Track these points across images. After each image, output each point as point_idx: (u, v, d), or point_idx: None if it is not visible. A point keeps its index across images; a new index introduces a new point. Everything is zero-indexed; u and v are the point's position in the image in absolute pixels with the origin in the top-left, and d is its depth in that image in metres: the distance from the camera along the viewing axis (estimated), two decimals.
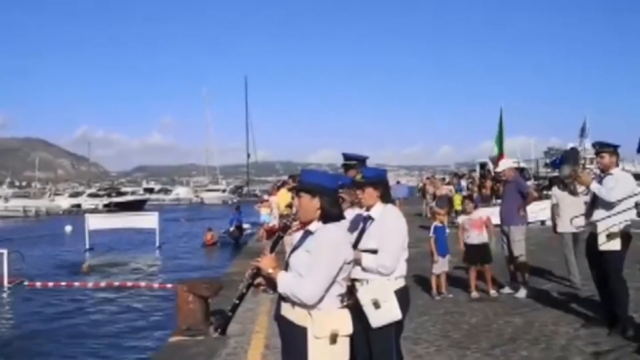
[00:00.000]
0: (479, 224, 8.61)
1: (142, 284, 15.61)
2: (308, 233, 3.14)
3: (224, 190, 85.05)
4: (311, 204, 3.13)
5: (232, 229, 24.61)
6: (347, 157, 4.95)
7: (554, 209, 9.34)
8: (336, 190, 3.25)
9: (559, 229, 9.21)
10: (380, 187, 4.03)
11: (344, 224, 3.28)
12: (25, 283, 15.72)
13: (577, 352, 5.87)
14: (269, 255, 3.17)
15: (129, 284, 15.44)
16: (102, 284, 15.55)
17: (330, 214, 3.13)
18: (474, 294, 8.62)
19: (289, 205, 16.95)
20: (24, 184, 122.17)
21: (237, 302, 3.30)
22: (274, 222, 18.27)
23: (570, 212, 8.63)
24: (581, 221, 7.55)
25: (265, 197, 23.17)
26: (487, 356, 5.90)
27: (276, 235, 3.45)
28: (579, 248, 8.49)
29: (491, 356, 5.89)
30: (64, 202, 62.65)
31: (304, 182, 3.20)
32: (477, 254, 8.61)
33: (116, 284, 15.47)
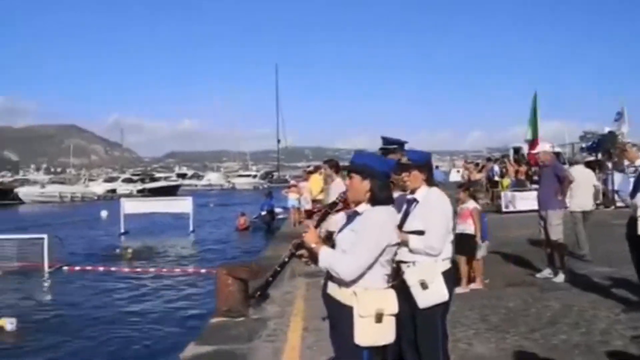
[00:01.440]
0: (466, 214, 8.42)
1: (178, 268, 15.89)
2: (356, 214, 3.21)
3: (254, 176, 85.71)
4: (361, 186, 3.18)
5: (263, 213, 24.80)
6: (387, 140, 4.95)
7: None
8: (387, 174, 3.29)
9: (571, 208, 9.81)
10: (425, 169, 4.06)
11: (392, 207, 3.31)
12: (65, 267, 16.09)
13: (618, 336, 5.83)
14: (313, 229, 3.25)
15: (164, 269, 15.72)
16: (139, 268, 15.86)
17: (379, 197, 3.18)
18: (462, 287, 8.09)
19: (322, 191, 17.14)
20: (59, 169, 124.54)
21: (279, 269, 3.45)
22: (307, 206, 18.47)
23: (580, 192, 9.67)
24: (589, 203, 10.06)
25: (293, 182, 23.31)
26: (526, 340, 5.90)
27: (323, 212, 3.55)
28: (588, 223, 10.33)
29: (530, 340, 5.89)
30: (99, 188, 63.64)
31: (356, 163, 3.26)
32: (459, 245, 7.95)
33: (152, 268, 15.76)
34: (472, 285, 8.30)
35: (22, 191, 56.23)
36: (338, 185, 8.81)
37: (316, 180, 17.74)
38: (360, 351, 3.02)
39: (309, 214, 8.87)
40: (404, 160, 4.10)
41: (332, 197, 8.06)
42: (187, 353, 5.99)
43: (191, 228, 24.58)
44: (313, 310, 7.19)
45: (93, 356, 8.50)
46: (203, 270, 15.03)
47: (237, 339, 6.29)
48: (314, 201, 16.82)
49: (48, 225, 25.84)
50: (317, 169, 19.65)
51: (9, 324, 9.73)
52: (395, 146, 4.90)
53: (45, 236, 16.16)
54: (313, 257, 3.22)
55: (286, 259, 3.41)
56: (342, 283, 3.07)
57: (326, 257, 3.09)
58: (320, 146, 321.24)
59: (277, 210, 25.84)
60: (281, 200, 26.05)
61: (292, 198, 20.11)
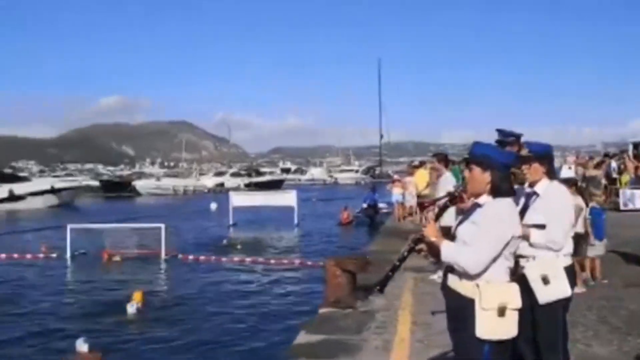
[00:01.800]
0: None
1: (285, 260, 16.30)
2: (476, 206, 3.15)
3: (357, 171, 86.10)
4: (482, 177, 3.13)
5: (365, 206, 24.83)
6: (504, 133, 4.83)
7: None
8: (508, 165, 3.22)
9: None
10: (545, 162, 3.93)
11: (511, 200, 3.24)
12: (179, 256, 16.96)
13: None
14: (432, 223, 3.23)
15: (272, 260, 16.16)
16: (248, 259, 16.41)
17: (501, 189, 3.11)
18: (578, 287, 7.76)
19: (428, 186, 16.94)
20: (172, 164, 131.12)
21: (398, 263, 3.43)
22: (412, 201, 18.32)
23: None
24: None
25: (396, 176, 23.17)
26: None
27: (442, 205, 3.52)
28: None
29: None
30: (209, 181, 66.54)
31: (477, 154, 3.19)
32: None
33: (260, 259, 16.26)
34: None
35: (139, 184, 59.79)
36: (447, 180, 8.69)
37: (422, 175, 17.55)
38: (482, 345, 2.98)
39: (422, 207, 8.79)
40: (524, 152, 3.98)
41: (441, 192, 8.00)
42: (298, 341, 6.15)
43: (296, 221, 25.09)
44: (421, 305, 7.17)
45: (208, 342, 8.91)
46: (309, 263, 15.33)
47: (345, 330, 6.37)
48: (419, 196, 16.66)
49: (163, 216, 27.21)
50: (422, 163, 19.45)
51: (130, 306, 10.44)
52: (512, 138, 4.77)
53: (162, 226, 17.12)
54: (433, 252, 3.19)
55: (405, 254, 3.39)
56: (463, 276, 3.03)
57: (449, 251, 3.06)
58: (423, 141, 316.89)
59: (381, 205, 25.82)
60: (384, 196, 26.00)
61: (396, 193, 20.00)
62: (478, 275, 2.99)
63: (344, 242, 20.66)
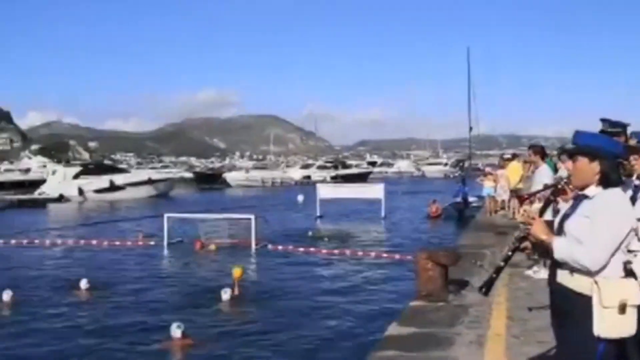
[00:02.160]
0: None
1: (372, 252, 16.29)
2: (583, 198, 3.01)
3: (445, 164, 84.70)
4: (589, 168, 2.98)
5: (458, 200, 24.40)
6: (610, 123, 4.61)
7: None
8: (616, 154, 3.06)
9: None
10: None
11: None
12: (269, 246, 17.33)
13: None
14: (539, 220, 3.08)
15: (360, 252, 16.19)
16: (336, 250, 16.53)
17: (611, 179, 2.96)
18: None
19: (521, 179, 16.42)
20: (260, 157, 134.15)
21: (502, 264, 3.30)
22: (504, 195, 17.82)
23: None
24: None
25: (488, 169, 22.60)
26: None
27: (546, 199, 3.38)
28: None
29: None
30: (296, 174, 67.64)
31: (582, 144, 3.04)
32: None
33: (348, 251, 16.34)
34: None
35: (229, 176, 61.79)
36: (543, 172, 8.38)
37: (515, 168, 17.05)
38: (597, 343, 2.84)
39: (521, 200, 8.49)
40: (633, 142, 3.78)
41: (537, 185, 7.74)
42: (390, 332, 6.14)
43: (383, 214, 25.02)
44: (517, 300, 6.97)
45: (299, 334, 9.03)
46: (397, 256, 15.26)
47: (437, 323, 6.29)
48: (512, 190, 16.21)
49: (252, 207, 27.88)
50: (514, 156, 18.90)
51: (224, 293, 10.77)
52: (618, 129, 4.55)
53: (252, 216, 17.57)
54: (540, 249, 3.07)
55: (509, 254, 3.24)
56: (577, 271, 2.89)
57: (563, 248, 2.91)
58: (514, 133, 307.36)
59: (471, 199, 25.28)
60: (474, 189, 25.44)
61: (487, 186, 19.52)
62: (597, 271, 2.86)
63: (433, 235, 20.43)
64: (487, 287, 3.38)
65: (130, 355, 8.23)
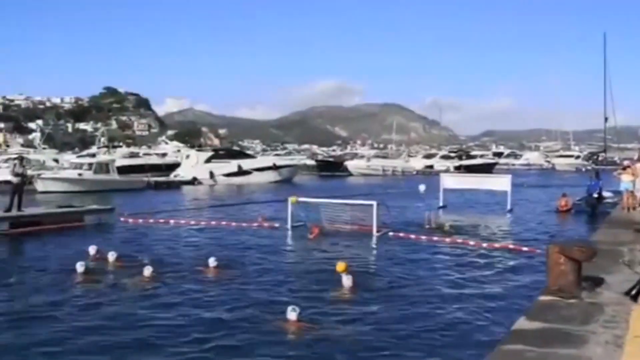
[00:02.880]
0: None
1: (497, 244, 15.79)
2: None
3: (577, 157, 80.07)
4: None
5: (596, 195, 23.02)
6: None
7: None
8: None
9: None
10: None
11: None
12: (390, 233, 17.31)
13: None
14: None
15: (485, 244, 15.73)
16: (459, 240, 16.18)
17: None
18: None
19: None
20: (381, 145, 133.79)
21: None
22: None
23: None
24: None
25: (627, 162, 21.15)
26: None
27: None
28: None
29: None
30: (418, 163, 67.02)
31: None
32: None
33: (472, 242, 15.93)
34: None
35: (350, 164, 62.49)
36: None
37: None
38: None
39: None
40: None
41: None
42: (518, 326, 5.92)
43: (509, 206, 24.16)
44: None
45: (420, 325, 8.92)
46: (525, 248, 14.71)
47: (569, 320, 5.98)
48: None
49: (372, 194, 27.98)
50: None
51: (346, 279, 10.88)
52: None
53: (374, 203, 17.63)
54: None
55: None
56: None
57: None
58: None
59: (605, 194, 23.79)
60: (609, 184, 23.90)
61: (625, 181, 18.28)
62: None
63: (561, 230, 19.49)
64: (636, 292, 3.16)
65: (251, 329, 8.51)
